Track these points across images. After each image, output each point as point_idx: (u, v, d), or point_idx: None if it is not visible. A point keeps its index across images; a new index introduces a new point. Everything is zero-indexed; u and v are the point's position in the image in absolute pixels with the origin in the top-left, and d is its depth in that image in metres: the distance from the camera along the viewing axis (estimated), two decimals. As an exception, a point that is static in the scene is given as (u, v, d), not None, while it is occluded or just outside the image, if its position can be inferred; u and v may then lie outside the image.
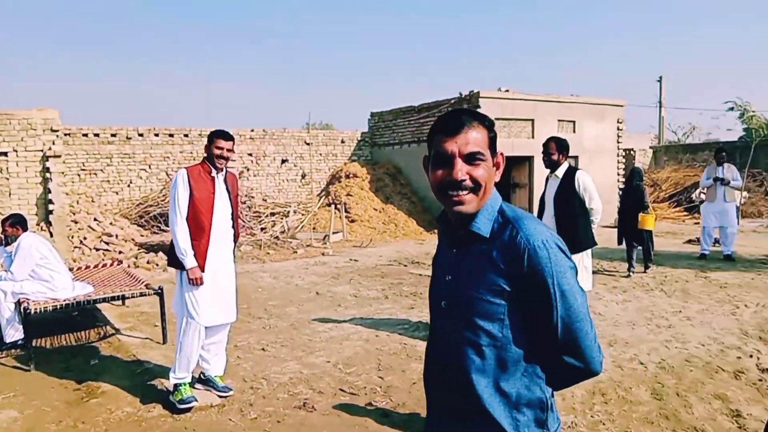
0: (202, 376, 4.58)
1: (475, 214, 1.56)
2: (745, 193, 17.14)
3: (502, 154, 1.64)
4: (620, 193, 11.55)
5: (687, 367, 4.96)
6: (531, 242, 1.47)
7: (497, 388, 1.52)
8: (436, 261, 1.74)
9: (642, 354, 5.28)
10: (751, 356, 5.20)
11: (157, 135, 14.92)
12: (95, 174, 14.09)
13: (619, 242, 9.60)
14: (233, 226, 4.47)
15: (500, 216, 1.57)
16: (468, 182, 1.53)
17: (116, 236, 11.64)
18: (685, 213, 18.36)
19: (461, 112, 1.59)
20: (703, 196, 10.86)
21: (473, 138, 1.54)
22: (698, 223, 11.54)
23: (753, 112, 15.60)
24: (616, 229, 15.16)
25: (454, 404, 1.60)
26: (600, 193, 5.64)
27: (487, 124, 1.59)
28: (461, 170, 1.52)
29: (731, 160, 12.33)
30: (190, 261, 4.17)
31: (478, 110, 11.88)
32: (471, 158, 1.53)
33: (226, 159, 4.28)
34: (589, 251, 5.40)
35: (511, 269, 1.48)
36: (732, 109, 15.58)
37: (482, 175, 1.54)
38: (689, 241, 12.69)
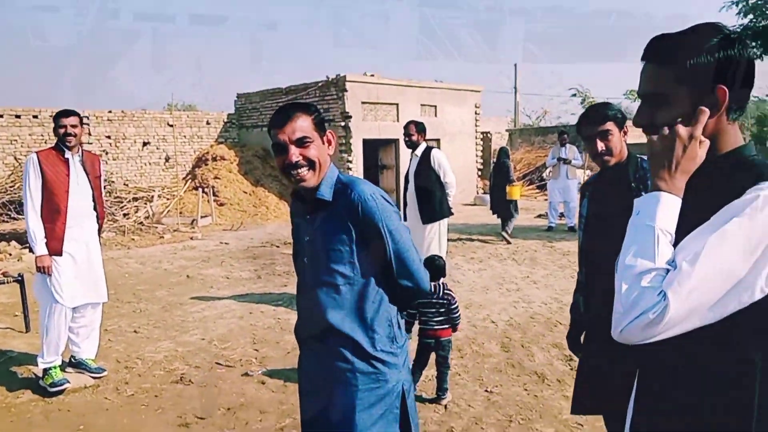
0: (72, 359, 4.53)
1: (319, 185, 1.93)
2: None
3: (331, 132, 2.01)
4: (490, 171, 12.65)
5: (531, 323, 5.63)
6: (362, 196, 1.87)
7: (355, 315, 1.90)
8: (296, 230, 2.10)
9: (493, 314, 5.91)
10: (583, 311, 5.99)
11: (1, 116, 13.78)
12: (-72, 159, 12.81)
13: (494, 212, 10.60)
14: (95, 208, 4.45)
15: (338, 183, 1.95)
16: (302, 161, 1.88)
17: (-42, 226, 10.71)
18: (538, 190, 19.93)
19: (287, 107, 1.93)
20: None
21: (299, 126, 1.88)
22: (548, 199, 12.84)
23: (592, 98, 17.26)
24: (475, 207, 16.28)
25: (321, 336, 1.96)
26: (460, 173, 6.24)
27: (311, 111, 1.94)
28: (294, 154, 1.87)
29: (574, 142, 13.65)
30: (39, 249, 4.13)
31: (345, 93, 12.19)
32: (300, 142, 1.88)
33: (75, 135, 4.22)
34: (445, 220, 5.94)
35: (351, 219, 1.88)
36: (575, 95, 17.16)
37: (314, 154, 1.90)
38: (539, 216, 13.91)
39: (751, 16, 10.83)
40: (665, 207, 1.23)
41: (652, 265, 1.17)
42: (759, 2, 10.65)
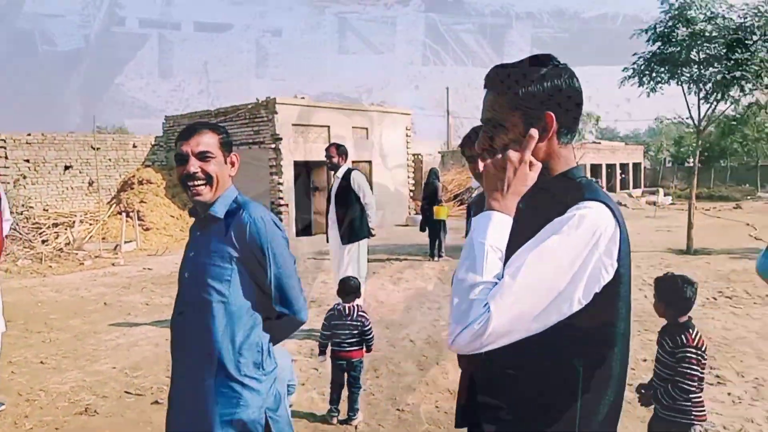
0: (-33, 394, 4.31)
1: (214, 202, 1.95)
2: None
3: (236, 154, 2.04)
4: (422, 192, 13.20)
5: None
6: (252, 217, 1.91)
7: (225, 336, 1.90)
8: (187, 245, 2.08)
9: (413, 333, 5.98)
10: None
11: None
12: None
13: (422, 230, 11.17)
14: None
15: (234, 202, 1.98)
16: (200, 174, 1.90)
17: None
18: (468, 211, 20.35)
19: (197, 124, 1.98)
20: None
21: (204, 141, 1.92)
22: (475, 219, 13.24)
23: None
24: (407, 227, 16.46)
25: (192, 357, 1.95)
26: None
27: (220, 131, 2.00)
28: (193, 165, 1.90)
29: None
30: None
31: (276, 116, 12.21)
32: (202, 156, 1.91)
33: None
34: (365, 241, 6.01)
35: (238, 239, 1.90)
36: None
37: (213, 170, 1.93)
38: (466, 235, 14.19)
39: (659, 44, 11.47)
40: (496, 225, 1.30)
41: (480, 279, 1.24)
42: (665, 30, 11.30)
